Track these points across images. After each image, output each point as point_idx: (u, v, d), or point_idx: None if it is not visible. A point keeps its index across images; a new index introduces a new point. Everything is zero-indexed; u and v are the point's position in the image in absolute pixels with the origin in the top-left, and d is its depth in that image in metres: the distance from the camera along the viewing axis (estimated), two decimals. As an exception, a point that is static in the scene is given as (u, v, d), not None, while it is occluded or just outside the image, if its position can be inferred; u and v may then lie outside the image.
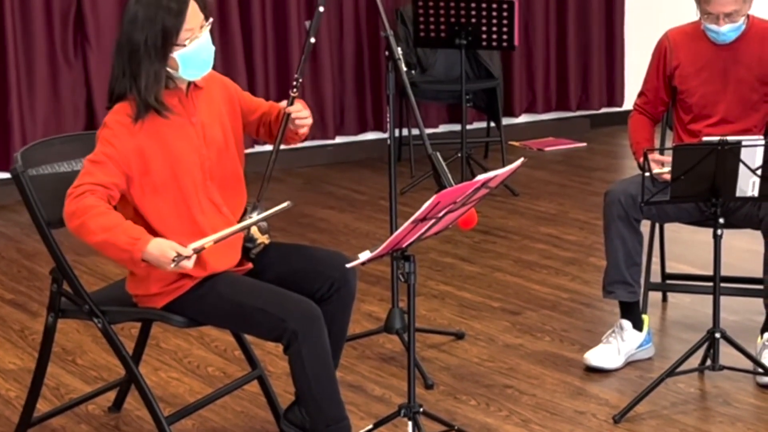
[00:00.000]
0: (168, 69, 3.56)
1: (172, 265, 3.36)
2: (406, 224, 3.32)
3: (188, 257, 3.38)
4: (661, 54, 4.71)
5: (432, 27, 7.15)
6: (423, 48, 7.76)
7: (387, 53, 4.24)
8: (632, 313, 4.62)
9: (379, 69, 8.08)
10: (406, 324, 3.54)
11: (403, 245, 3.47)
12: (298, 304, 3.53)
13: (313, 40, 4.13)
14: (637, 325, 4.61)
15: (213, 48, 3.61)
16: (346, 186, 7.47)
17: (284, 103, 3.87)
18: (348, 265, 3.45)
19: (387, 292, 5.15)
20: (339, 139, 8.12)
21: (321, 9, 4.13)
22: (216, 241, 3.44)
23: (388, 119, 4.50)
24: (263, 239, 3.75)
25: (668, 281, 5.17)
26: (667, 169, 4.22)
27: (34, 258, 5.95)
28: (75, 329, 4.95)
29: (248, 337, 4.00)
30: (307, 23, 4.19)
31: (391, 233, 3.55)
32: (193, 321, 3.66)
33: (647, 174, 4.15)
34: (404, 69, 4.16)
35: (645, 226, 4.64)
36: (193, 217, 3.59)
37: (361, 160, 8.05)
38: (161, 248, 3.38)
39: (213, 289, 3.60)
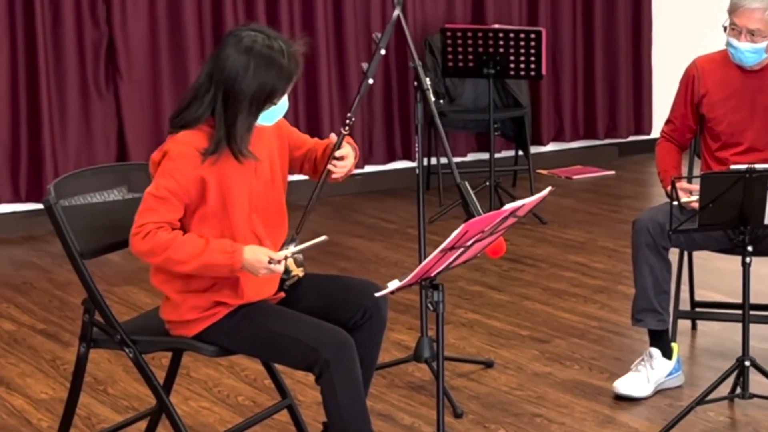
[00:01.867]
0: None
1: (270, 265, 3.46)
2: (434, 253, 3.33)
3: (278, 261, 3.47)
4: (689, 81, 4.72)
5: (460, 57, 7.17)
6: (451, 78, 7.80)
7: (415, 83, 4.26)
8: (661, 341, 4.61)
9: (408, 99, 8.11)
10: (435, 353, 3.54)
11: (432, 274, 3.48)
12: (331, 334, 3.55)
13: (371, 81, 4.14)
14: (667, 353, 4.60)
15: (288, 102, 3.66)
16: (375, 215, 7.49)
17: (333, 136, 3.89)
18: (377, 294, 3.47)
19: (416, 321, 5.16)
20: (368, 168, 8.14)
21: (383, 51, 4.14)
22: (294, 254, 3.59)
23: (416, 148, 4.52)
24: (298, 272, 3.76)
25: (697, 309, 5.15)
26: (695, 197, 4.22)
27: (66, 288, 5.98)
28: (106, 359, 4.97)
29: (278, 366, 4.02)
30: (365, 65, 4.19)
31: (420, 262, 3.56)
32: (224, 350, 3.68)
33: (675, 202, 4.15)
34: (433, 99, 4.18)
35: (674, 253, 4.63)
36: None
37: (390, 189, 8.06)
38: (255, 254, 3.49)
39: (246, 318, 3.62)
